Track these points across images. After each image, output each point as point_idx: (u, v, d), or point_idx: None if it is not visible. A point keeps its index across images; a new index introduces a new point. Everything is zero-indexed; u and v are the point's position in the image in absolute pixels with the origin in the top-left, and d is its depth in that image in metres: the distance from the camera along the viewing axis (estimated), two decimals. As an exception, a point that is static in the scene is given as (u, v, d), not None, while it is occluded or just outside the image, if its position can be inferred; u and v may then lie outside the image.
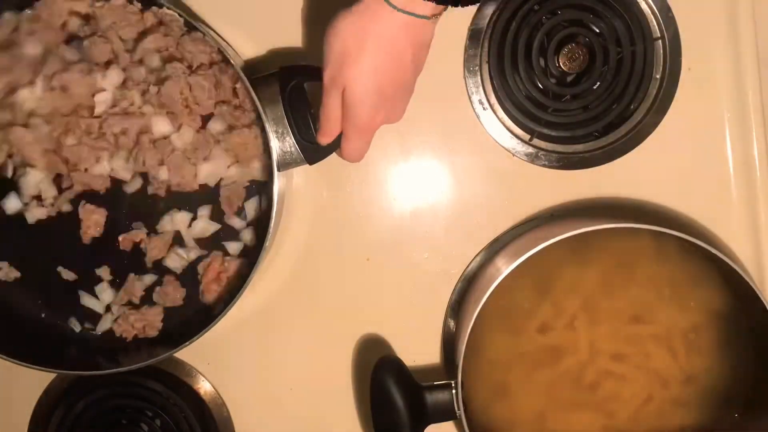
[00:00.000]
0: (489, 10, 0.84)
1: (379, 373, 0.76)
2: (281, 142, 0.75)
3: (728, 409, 0.82)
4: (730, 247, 0.85)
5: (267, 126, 0.74)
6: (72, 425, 0.86)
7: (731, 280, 0.80)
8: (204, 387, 0.87)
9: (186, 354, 0.86)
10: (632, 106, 0.85)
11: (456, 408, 0.76)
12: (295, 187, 0.86)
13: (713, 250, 0.75)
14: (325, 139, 0.74)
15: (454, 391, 0.76)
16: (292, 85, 0.74)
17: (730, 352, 0.82)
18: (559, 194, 0.86)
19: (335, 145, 0.75)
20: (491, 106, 0.85)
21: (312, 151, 0.75)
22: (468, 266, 0.86)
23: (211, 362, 0.87)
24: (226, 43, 0.80)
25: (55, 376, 0.87)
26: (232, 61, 0.75)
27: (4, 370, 0.87)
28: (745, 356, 0.82)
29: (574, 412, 0.82)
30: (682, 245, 0.79)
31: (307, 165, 0.76)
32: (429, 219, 0.87)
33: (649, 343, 0.81)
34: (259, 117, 0.75)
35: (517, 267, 0.75)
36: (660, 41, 0.84)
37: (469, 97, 0.85)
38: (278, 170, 0.75)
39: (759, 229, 0.85)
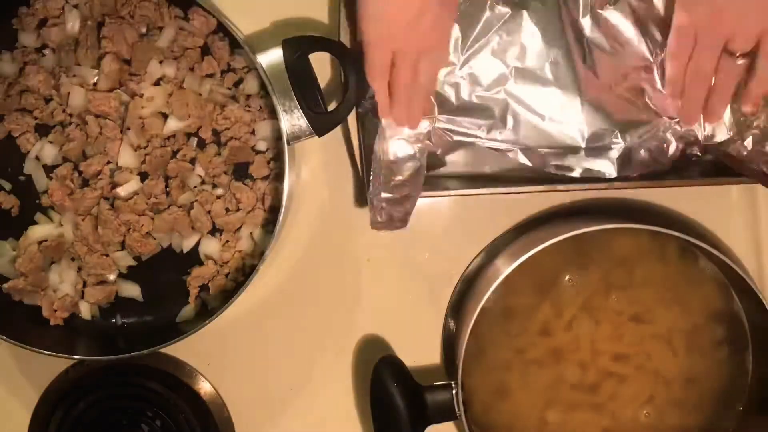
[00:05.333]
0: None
1: (379, 373, 0.77)
2: (289, 115, 0.75)
3: (728, 409, 0.82)
4: (730, 247, 0.85)
5: (274, 99, 0.74)
6: (72, 425, 0.85)
7: (731, 280, 0.80)
8: (204, 387, 0.87)
9: (186, 354, 0.86)
10: (632, 107, 0.85)
11: (456, 408, 0.76)
12: (296, 187, 0.85)
13: (713, 250, 0.75)
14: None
15: (454, 392, 0.76)
16: (296, 57, 0.74)
17: (730, 352, 0.82)
18: (558, 194, 0.86)
19: (342, 116, 0.75)
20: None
21: (320, 122, 0.75)
22: (468, 267, 0.86)
23: (211, 362, 0.87)
24: (228, 20, 0.80)
25: (56, 376, 0.87)
26: (236, 36, 0.75)
27: (4, 370, 0.87)
28: (745, 356, 0.82)
29: (575, 412, 0.82)
30: (682, 245, 0.79)
31: (312, 159, 0.76)
32: (429, 219, 0.86)
33: (649, 343, 0.81)
34: (266, 91, 0.75)
35: (517, 267, 0.75)
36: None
37: (469, 97, 0.85)
38: (288, 144, 0.75)
39: (759, 229, 0.85)
